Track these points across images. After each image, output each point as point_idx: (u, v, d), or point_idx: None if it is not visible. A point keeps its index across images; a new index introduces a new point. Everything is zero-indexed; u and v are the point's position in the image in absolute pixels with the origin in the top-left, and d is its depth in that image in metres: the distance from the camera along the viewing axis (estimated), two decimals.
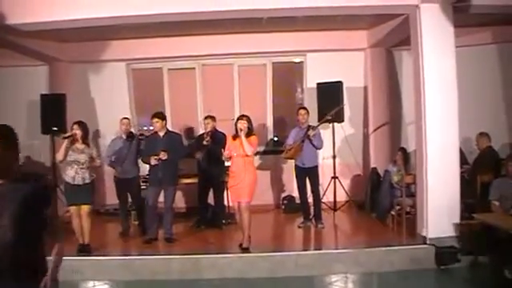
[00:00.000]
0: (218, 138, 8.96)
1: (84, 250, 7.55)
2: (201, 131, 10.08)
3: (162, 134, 8.19)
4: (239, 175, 7.47)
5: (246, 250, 7.47)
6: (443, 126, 7.36)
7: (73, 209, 7.56)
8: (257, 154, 9.56)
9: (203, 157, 9.11)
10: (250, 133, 7.53)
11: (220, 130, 9.32)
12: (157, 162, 7.90)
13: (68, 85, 10.81)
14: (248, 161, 7.53)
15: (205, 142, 8.85)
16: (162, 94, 11.58)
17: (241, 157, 7.48)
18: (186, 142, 9.85)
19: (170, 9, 7.48)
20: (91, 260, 7.39)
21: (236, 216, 7.89)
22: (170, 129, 10.66)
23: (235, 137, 7.60)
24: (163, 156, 7.86)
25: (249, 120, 7.60)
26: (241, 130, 7.43)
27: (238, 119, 7.65)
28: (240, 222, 7.72)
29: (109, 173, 10.17)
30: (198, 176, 9.52)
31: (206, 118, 9.32)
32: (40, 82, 11.06)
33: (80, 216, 7.56)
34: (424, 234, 7.41)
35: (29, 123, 10.87)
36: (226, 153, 7.74)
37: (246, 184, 7.46)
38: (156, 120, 8.14)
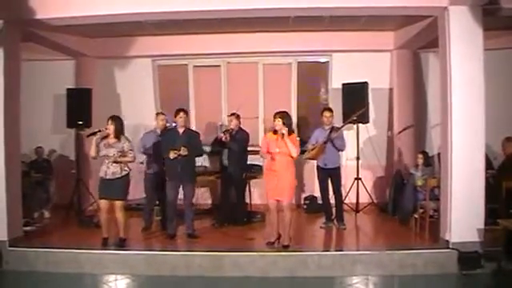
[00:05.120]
0: (239, 136, 9.00)
1: (118, 245, 7.65)
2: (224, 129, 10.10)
3: (181, 130, 8.14)
4: (280, 174, 7.36)
5: (286, 248, 7.48)
6: (469, 129, 7.26)
7: (103, 202, 7.63)
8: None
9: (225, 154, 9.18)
10: (289, 131, 7.33)
11: (244, 128, 9.36)
12: (176, 156, 7.85)
13: (94, 80, 10.97)
14: (290, 159, 7.40)
15: (223, 139, 8.85)
16: (187, 91, 11.66)
17: (283, 155, 7.35)
18: (207, 140, 9.89)
19: (196, 6, 7.50)
20: (113, 254, 7.46)
21: (270, 214, 7.81)
22: (194, 125, 10.77)
23: (276, 132, 7.43)
24: (183, 152, 7.84)
25: (285, 116, 7.41)
26: (281, 129, 7.27)
27: (274, 116, 7.49)
28: (274, 220, 7.68)
29: (132, 168, 10.26)
30: (220, 174, 9.54)
31: (230, 115, 9.34)
32: (66, 77, 11.18)
33: (109, 210, 7.66)
34: (447, 238, 7.32)
35: (55, 117, 11.04)
36: (263, 149, 7.59)
37: (288, 183, 7.40)
38: (181, 115, 8.10)
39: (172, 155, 7.86)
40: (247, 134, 9.26)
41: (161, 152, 8.22)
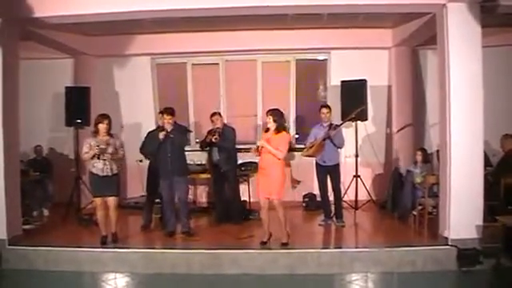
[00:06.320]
0: (227, 134, 8.98)
1: (112, 240, 7.71)
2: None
3: (168, 128, 7.95)
4: (268, 171, 7.30)
5: (285, 245, 7.43)
6: (468, 126, 7.25)
7: (98, 200, 7.64)
8: None
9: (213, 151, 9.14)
10: (279, 129, 7.35)
11: (230, 125, 9.43)
12: (164, 135, 7.80)
13: (93, 78, 10.95)
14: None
15: (213, 140, 8.79)
16: (186, 89, 11.66)
17: (269, 152, 7.29)
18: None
19: (195, 4, 7.48)
20: (113, 252, 7.46)
21: (261, 212, 7.71)
22: (193, 123, 10.74)
23: (267, 130, 7.45)
24: (168, 127, 7.81)
25: (276, 114, 7.36)
26: (268, 129, 7.35)
27: (266, 114, 7.49)
28: (265, 219, 7.59)
29: (131, 166, 10.28)
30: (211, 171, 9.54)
31: (213, 114, 9.18)
32: (65, 75, 11.19)
33: (106, 208, 7.66)
34: (446, 234, 7.32)
35: (54, 115, 11.01)
36: (254, 148, 7.50)
37: (275, 180, 7.31)
38: (170, 117, 7.93)
39: (161, 135, 7.81)
40: (234, 130, 9.24)
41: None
